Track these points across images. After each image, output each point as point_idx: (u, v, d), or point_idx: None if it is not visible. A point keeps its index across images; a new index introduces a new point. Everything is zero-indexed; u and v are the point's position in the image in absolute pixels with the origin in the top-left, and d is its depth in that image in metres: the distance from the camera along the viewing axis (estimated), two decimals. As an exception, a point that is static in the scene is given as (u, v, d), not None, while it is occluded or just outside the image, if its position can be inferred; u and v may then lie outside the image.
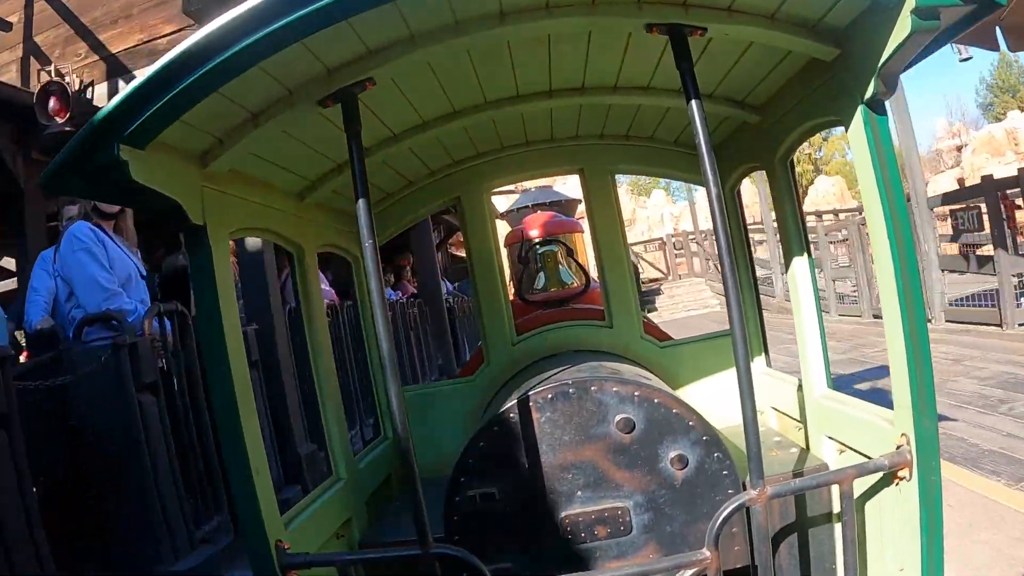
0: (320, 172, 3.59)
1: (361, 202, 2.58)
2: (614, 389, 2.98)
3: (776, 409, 4.10)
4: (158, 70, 2.14)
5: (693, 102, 2.55)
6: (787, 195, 3.58)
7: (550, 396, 2.98)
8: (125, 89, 2.17)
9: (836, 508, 3.19)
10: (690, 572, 2.64)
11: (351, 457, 3.76)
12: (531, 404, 2.98)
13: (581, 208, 8.88)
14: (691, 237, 38.58)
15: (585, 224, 4.85)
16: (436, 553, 2.60)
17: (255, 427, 2.75)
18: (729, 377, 4.15)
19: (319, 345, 3.72)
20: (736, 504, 2.58)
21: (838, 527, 3.18)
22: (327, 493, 3.42)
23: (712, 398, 4.17)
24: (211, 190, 2.67)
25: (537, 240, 5.84)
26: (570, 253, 5.76)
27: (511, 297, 4.92)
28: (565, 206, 8.19)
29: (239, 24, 2.08)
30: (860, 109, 2.57)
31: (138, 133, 2.18)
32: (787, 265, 3.67)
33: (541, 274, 5.67)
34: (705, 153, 2.53)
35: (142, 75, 2.18)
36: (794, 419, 3.86)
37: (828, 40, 2.66)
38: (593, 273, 5.29)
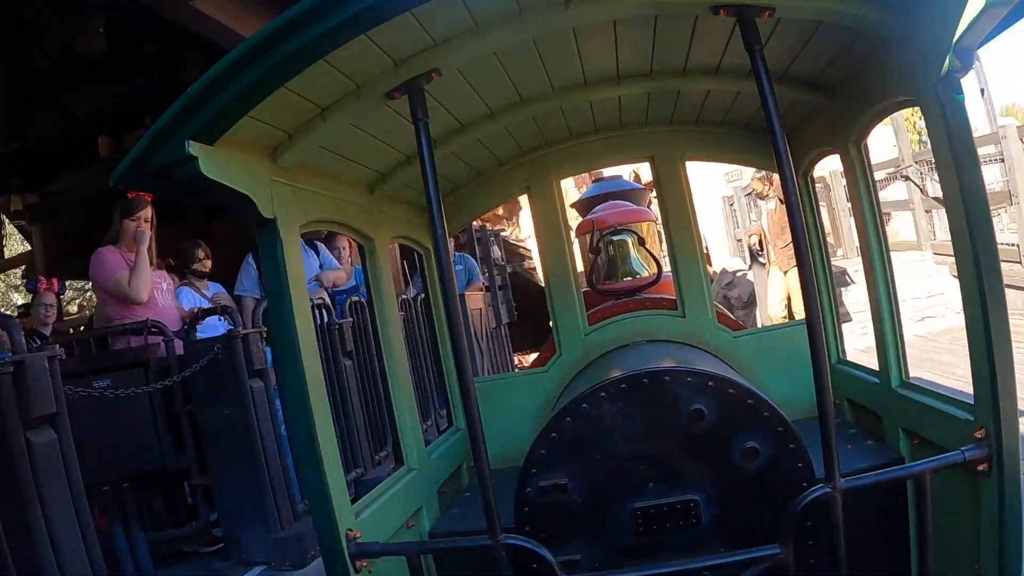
0: (389, 165, 3.59)
1: (431, 193, 2.58)
2: (688, 380, 2.92)
3: (851, 401, 4.00)
4: (222, 66, 2.17)
5: (764, 84, 2.49)
6: (862, 179, 3.49)
7: (623, 387, 2.93)
8: (192, 86, 2.17)
9: (911, 502, 3.12)
10: (760, 568, 2.58)
11: (423, 448, 3.78)
12: (604, 395, 2.93)
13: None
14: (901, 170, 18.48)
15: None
16: (506, 543, 2.59)
17: (327, 418, 2.76)
18: (803, 367, 4.05)
19: (390, 337, 3.75)
20: (810, 498, 2.53)
21: (912, 521, 3.11)
22: (398, 483, 3.44)
23: (786, 389, 4.07)
24: (281, 184, 2.68)
25: (608, 229, 5.76)
26: (641, 242, 5.69)
27: (583, 287, 4.85)
28: (635, 195, 8.07)
29: (300, 19, 2.08)
30: (935, 87, 2.45)
31: (207, 128, 2.19)
32: (863, 250, 3.57)
33: (613, 264, 5.61)
34: (778, 135, 2.47)
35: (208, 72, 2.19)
36: (870, 411, 3.77)
37: (899, 15, 2.55)
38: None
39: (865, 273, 3.59)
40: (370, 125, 3.03)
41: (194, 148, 2.17)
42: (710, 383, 2.91)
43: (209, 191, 2.37)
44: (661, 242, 6.04)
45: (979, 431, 2.56)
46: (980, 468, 2.55)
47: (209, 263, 7.28)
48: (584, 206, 8.10)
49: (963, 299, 2.59)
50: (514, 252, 18.07)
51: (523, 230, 19.87)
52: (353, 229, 3.49)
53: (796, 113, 3.85)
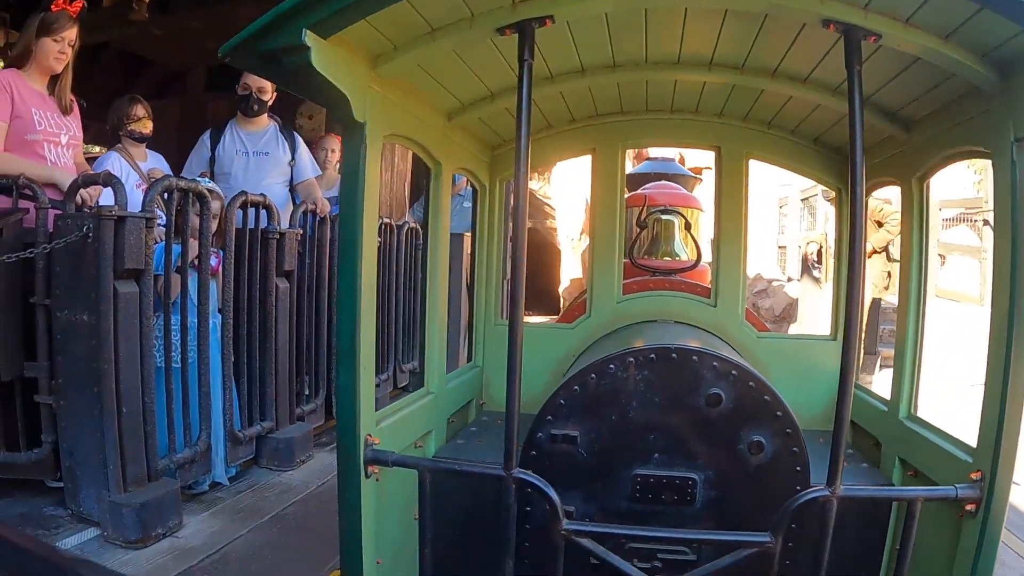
0: (473, 97, 3.63)
1: (523, 131, 2.60)
2: (713, 363, 2.96)
3: (854, 423, 4.03)
4: None
5: (856, 102, 2.51)
6: (918, 216, 3.52)
7: (652, 356, 2.97)
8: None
9: (891, 527, 3.21)
10: (746, 552, 2.62)
11: (444, 374, 3.86)
12: (631, 360, 2.98)
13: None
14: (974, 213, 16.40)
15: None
16: (517, 477, 2.65)
17: (372, 325, 2.82)
18: (817, 381, 4.11)
19: (438, 262, 3.81)
20: (810, 496, 2.58)
21: (888, 544, 3.20)
22: (416, 403, 3.52)
23: (796, 398, 4.11)
24: (375, 91, 2.73)
25: (659, 208, 5.78)
26: (687, 227, 5.72)
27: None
28: (685, 181, 8.09)
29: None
30: (1011, 145, 2.50)
31: (325, 23, 2.23)
32: (901, 286, 3.62)
33: (656, 241, 5.65)
34: (858, 155, 2.49)
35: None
36: (871, 436, 3.83)
37: (994, 70, 2.58)
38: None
39: (898, 307, 3.65)
40: (469, 55, 3.07)
41: (309, 38, 2.21)
42: (733, 371, 2.95)
43: (310, 84, 2.41)
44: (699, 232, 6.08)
45: (975, 473, 2.62)
46: (968, 508, 2.60)
47: (150, 124, 5.95)
48: (632, 181, 8.13)
49: (989, 346, 2.65)
50: (538, 208, 17.92)
51: (553, 186, 19.74)
52: (425, 151, 3.54)
53: (868, 138, 3.83)
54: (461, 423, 4.22)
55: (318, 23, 2.22)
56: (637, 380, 2.97)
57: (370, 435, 2.81)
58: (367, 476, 2.80)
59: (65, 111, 5.02)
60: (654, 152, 10.45)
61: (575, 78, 3.61)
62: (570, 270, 19.28)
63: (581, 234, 19.35)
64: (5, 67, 4.98)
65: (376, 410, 3.00)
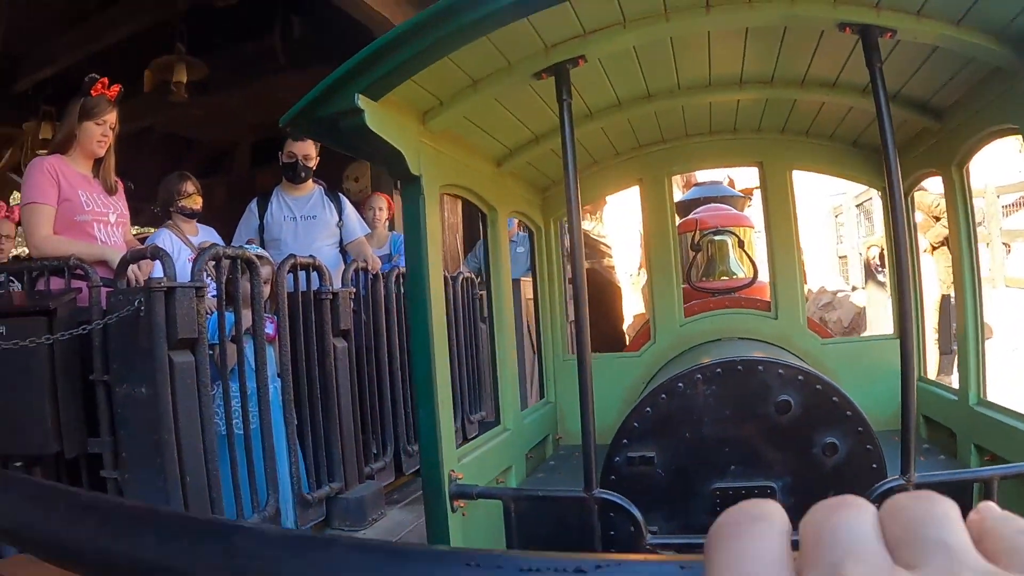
0: (519, 141, 3.83)
1: (569, 168, 2.80)
2: (779, 371, 3.07)
3: (927, 418, 4.14)
4: (396, 33, 2.43)
5: (881, 100, 2.64)
6: (961, 202, 3.62)
7: (719, 371, 3.09)
8: (367, 46, 2.46)
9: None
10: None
11: (519, 411, 4.02)
12: (699, 377, 3.10)
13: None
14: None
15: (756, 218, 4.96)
16: (599, 497, 2.80)
17: (446, 364, 3.00)
18: (885, 380, 4.21)
19: (503, 307, 4.00)
20: (886, 487, 2.67)
21: None
22: (494, 440, 3.69)
23: (866, 399, 4.20)
24: (427, 145, 2.93)
25: (710, 230, 5.98)
26: (740, 244, 5.89)
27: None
28: (734, 201, 8.28)
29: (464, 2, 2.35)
30: None
31: (375, 86, 2.46)
32: (955, 273, 3.70)
33: (712, 263, 5.82)
34: (891, 152, 2.62)
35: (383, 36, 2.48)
36: (945, 428, 3.91)
37: (1011, 48, 2.70)
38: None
39: (955, 294, 3.73)
40: (510, 102, 3.28)
41: (362, 102, 2.43)
42: (800, 377, 3.06)
43: (366, 144, 2.64)
44: (752, 249, 6.22)
45: None
46: (1045, 486, 2.67)
47: (200, 200, 6.06)
48: (683, 207, 8.33)
49: None
50: (594, 248, 18.05)
51: (606, 225, 19.85)
52: (480, 198, 3.74)
53: (904, 133, 3.96)
54: (539, 458, 4.37)
55: (369, 87, 2.43)
56: (707, 395, 3.09)
57: (453, 470, 2.96)
58: (453, 511, 2.94)
59: (110, 191, 5.15)
60: (701, 177, 10.65)
61: (613, 112, 3.79)
62: (633, 307, 19.33)
63: (639, 269, 19.44)
64: (49, 153, 5.06)
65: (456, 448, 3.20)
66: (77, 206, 4.83)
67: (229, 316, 4.73)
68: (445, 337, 3.05)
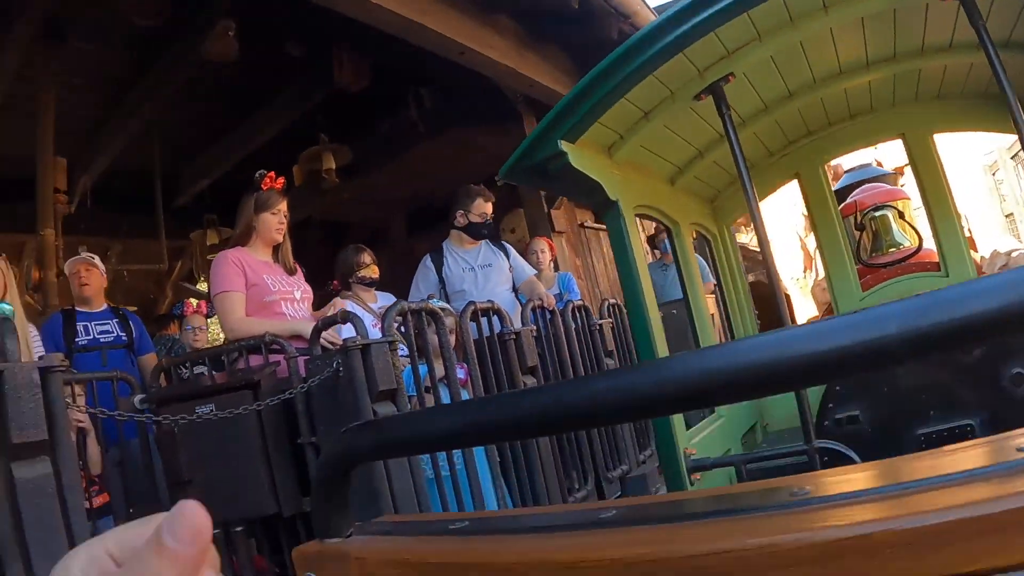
0: (686, 159, 4.39)
1: (742, 169, 3.41)
2: None
3: None
4: (582, 86, 3.11)
5: (991, 53, 3.06)
6: None
7: None
8: (561, 101, 3.16)
9: None
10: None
11: None
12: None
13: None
14: None
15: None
16: (819, 447, 3.28)
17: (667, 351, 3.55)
18: None
19: (701, 309, 4.56)
20: None
21: None
22: (712, 425, 4.19)
23: None
24: (616, 174, 3.57)
25: (870, 207, 6.40)
26: (901, 216, 6.28)
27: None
28: (886, 179, 8.61)
29: (634, 47, 3.01)
30: None
31: (572, 131, 3.14)
32: None
33: (877, 238, 6.21)
34: (1010, 99, 3.04)
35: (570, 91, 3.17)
36: None
37: None
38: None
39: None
40: (676, 125, 3.85)
41: (564, 146, 3.11)
42: (982, 315, 3.49)
43: (570, 181, 3.31)
44: (913, 219, 6.56)
45: None
46: None
47: (376, 269, 6.68)
48: (839, 196, 8.68)
49: None
50: (754, 260, 18.26)
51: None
52: (664, 214, 4.29)
53: None
54: (752, 444, 4.82)
55: (567, 133, 3.11)
56: None
57: (687, 448, 3.52)
58: (692, 484, 3.48)
59: (291, 272, 5.60)
60: (849, 166, 10.97)
61: (762, 116, 4.30)
62: (804, 311, 19.42)
63: (804, 271, 19.60)
64: (231, 247, 5.51)
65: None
66: (264, 288, 5.29)
67: (422, 368, 5.05)
68: (662, 330, 3.63)
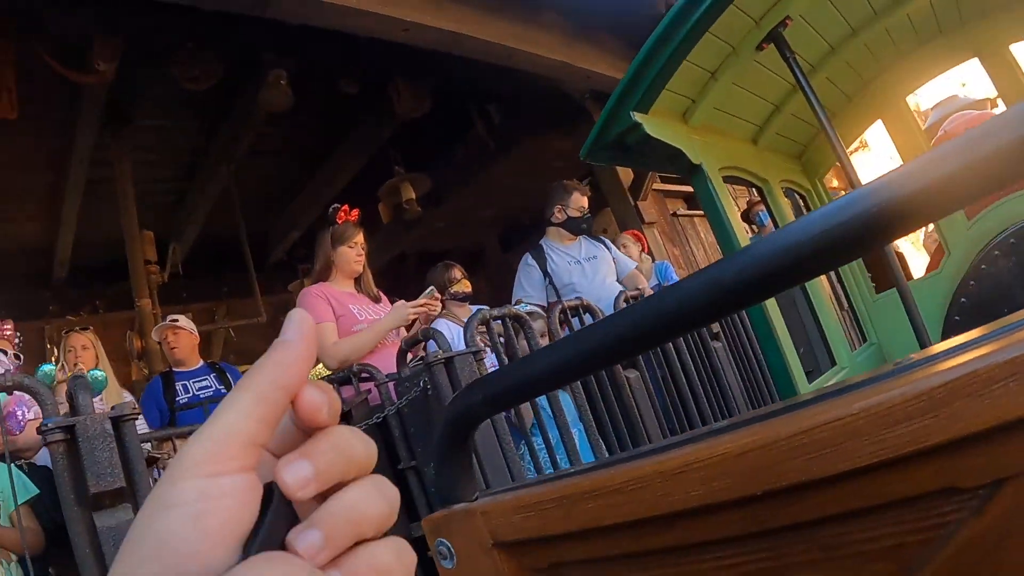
0: (764, 116, 4.46)
1: (820, 115, 3.56)
2: None
3: None
4: (642, 56, 3.24)
5: None
6: None
7: (1012, 241, 3.60)
8: (624, 76, 3.26)
9: None
10: None
11: (849, 351, 4.53)
12: (997, 252, 3.66)
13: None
14: None
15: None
16: None
17: (787, 337, 3.66)
18: None
19: None
20: None
21: None
22: (833, 378, 4.24)
23: None
24: (696, 139, 3.69)
25: (962, 135, 6.30)
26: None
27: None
28: (975, 105, 8.47)
29: (684, 8, 3.12)
30: None
31: (642, 102, 3.27)
32: None
33: None
34: None
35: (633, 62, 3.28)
36: None
37: None
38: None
39: None
40: (746, 81, 3.92)
41: (638, 117, 3.24)
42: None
43: (651, 152, 3.43)
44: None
45: None
46: None
47: (468, 284, 6.83)
48: (931, 134, 8.55)
49: None
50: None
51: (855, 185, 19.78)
52: (752, 174, 4.37)
53: None
54: None
55: (638, 104, 3.25)
56: (1010, 267, 3.58)
57: None
58: None
59: (376, 300, 5.76)
60: (933, 103, 10.81)
61: (830, 59, 4.34)
62: (918, 265, 19.08)
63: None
64: (312, 283, 5.67)
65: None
66: (351, 318, 5.44)
67: None
68: (780, 316, 3.71)
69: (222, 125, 9.50)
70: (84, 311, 11.49)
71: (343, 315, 5.41)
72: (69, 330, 6.88)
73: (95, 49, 7.18)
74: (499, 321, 5.06)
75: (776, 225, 4.69)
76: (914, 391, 0.81)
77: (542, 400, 5.06)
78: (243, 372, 6.10)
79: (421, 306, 5.51)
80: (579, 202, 7.06)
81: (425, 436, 4.62)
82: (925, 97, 8.97)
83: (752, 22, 3.51)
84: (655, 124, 3.33)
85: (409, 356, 4.90)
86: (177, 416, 6.93)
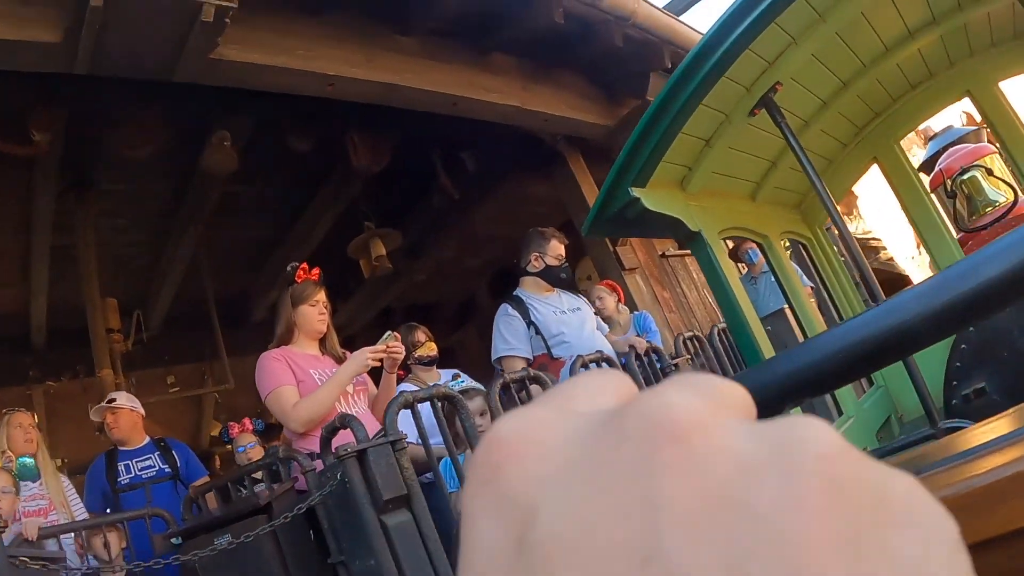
0: (760, 172, 4.76)
1: (811, 174, 3.86)
2: None
3: None
4: (638, 133, 3.57)
5: None
6: None
7: None
8: (622, 152, 3.61)
9: None
10: None
11: (855, 399, 4.79)
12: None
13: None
14: None
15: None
16: (946, 428, 3.49)
17: None
18: None
19: (810, 316, 4.90)
20: None
21: None
22: (841, 428, 4.42)
23: None
24: (694, 205, 4.00)
25: (956, 173, 6.67)
26: (990, 173, 6.52)
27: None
28: (971, 137, 8.79)
29: (682, 78, 3.46)
30: None
31: (639, 176, 3.60)
32: None
33: (971, 201, 6.46)
34: None
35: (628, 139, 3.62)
36: None
37: None
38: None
39: None
40: (741, 144, 4.23)
41: (636, 192, 3.57)
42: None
43: (649, 222, 3.77)
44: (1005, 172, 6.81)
45: None
46: None
47: (434, 346, 6.69)
48: (929, 166, 8.86)
49: None
50: (866, 246, 18.35)
51: (866, 220, 20.25)
52: (751, 231, 4.69)
53: None
54: (889, 438, 4.98)
55: (636, 179, 3.58)
56: (1009, 312, 3.71)
57: None
58: None
59: (340, 361, 5.59)
60: (935, 127, 11.18)
61: (823, 112, 4.64)
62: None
63: (918, 247, 19.69)
64: (275, 347, 5.54)
65: None
66: (312, 385, 5.29)
67: (463, 457, 4.85)
68: (772, 351, 4.00)
69: (187, 187, 9.65)
70: (65, 376, 11.77)
71: (303, 380, 5.34)
72: (9, 411, 6.99)
73: (31, 121, 7.38)
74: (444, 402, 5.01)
75: (775, 274, 4.99)
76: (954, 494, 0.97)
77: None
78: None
79: (382, 351, 5.40)
80: (557, 249, 6.98)
81: (352, 529, 4.45)
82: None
83: (743, 90, 3.83)
84: (653, 197, 3.65)
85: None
86: (120, 497, 7.06)
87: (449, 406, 5.00)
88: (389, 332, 5.58)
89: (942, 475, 1.01)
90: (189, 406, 13.74)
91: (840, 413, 4.73)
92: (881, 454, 3.75)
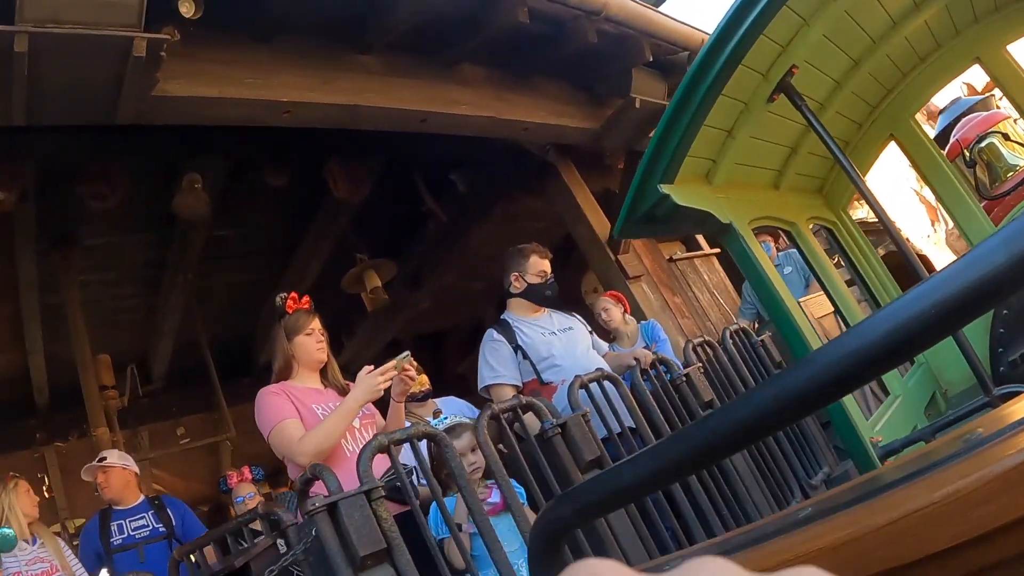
0: (782, 160, 4.83)
1: (836, 152, 3.92)
2: None
3: None
4: (660, 130, 3.62)
5: None
6: None
7: None
8: (647, 150, 3.66)
9: None
10: None
11: (899, 377, 4.84)
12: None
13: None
14: None
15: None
16: (1001, 394, 3.58)
17: None
18: None
19: (847, 303, 4.97)
20: None
21: None
22: (889, 410, 4.52)
23: None
24: (722, 198, 4.05)
25: (973, 141, 6.72)
26: (1007, 138, 6.57)
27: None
28: (982, 105, 8.82)
29: (695, 76, 3.50)
30: None
31: (666, 173, 3.65)
32: None
33: (991, 168, 6.50)
34: None
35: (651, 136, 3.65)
36: None
37: None
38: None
39: None
40: (761, 132, 4.29)
41: (665, 188, 3.61)
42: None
43: (681, 219, 3.82)
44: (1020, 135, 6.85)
45: None
46: None
47: (426, 379, 6.22)
48: (942, 141, 8.89)
49: None
50: (874, 232, 18.46)
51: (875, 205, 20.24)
52: (779, 219, 4.75)
53: None
54: (937, 414, 5.00)
55: (663, 176, 3.63)
56: None
57: (872, 437, 3.87)
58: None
59: (343, 393, 5.28)
60: (942, 104, 11.23)
61: (837, 93, 4.71)
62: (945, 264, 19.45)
63: (932, 225, 19.80)
64: (274, 383, 5.28)
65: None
66: (314, 421, 5.03)
67: (450, 501, 4.57)
68: (814, 334, 4.03)
69: (171, 235, 9.65)
70: (72, 436, 11.78)
71: (305, 418, 5.04)
72: (16, 477, 6.87)
73: (-8, 179, 7.25)
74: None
75: (807, 261, 5.03)
76: (988, 476, 0.97)
77: (504, 522, 4.58)
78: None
79: (392, 367, 5.04)
80: (538, 266, 6.71)
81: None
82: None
83: (760, 76, 3.90)
84: (682, 192, 3.70)
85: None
86: (113, 559, 7.01)
87: (436, 447, 4.62)
88: (406, 353, 5.15)
89: (1012, 440, 1.01)
90: (204, 455, 13.73)
91: (887, 392, 4.78)
92: (937, 428, 3.79)
